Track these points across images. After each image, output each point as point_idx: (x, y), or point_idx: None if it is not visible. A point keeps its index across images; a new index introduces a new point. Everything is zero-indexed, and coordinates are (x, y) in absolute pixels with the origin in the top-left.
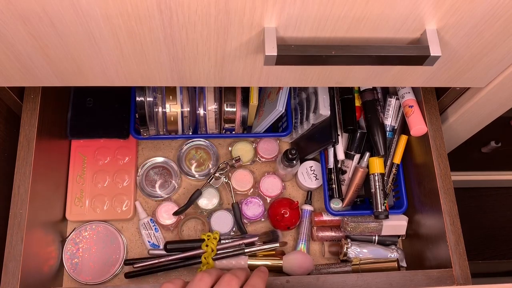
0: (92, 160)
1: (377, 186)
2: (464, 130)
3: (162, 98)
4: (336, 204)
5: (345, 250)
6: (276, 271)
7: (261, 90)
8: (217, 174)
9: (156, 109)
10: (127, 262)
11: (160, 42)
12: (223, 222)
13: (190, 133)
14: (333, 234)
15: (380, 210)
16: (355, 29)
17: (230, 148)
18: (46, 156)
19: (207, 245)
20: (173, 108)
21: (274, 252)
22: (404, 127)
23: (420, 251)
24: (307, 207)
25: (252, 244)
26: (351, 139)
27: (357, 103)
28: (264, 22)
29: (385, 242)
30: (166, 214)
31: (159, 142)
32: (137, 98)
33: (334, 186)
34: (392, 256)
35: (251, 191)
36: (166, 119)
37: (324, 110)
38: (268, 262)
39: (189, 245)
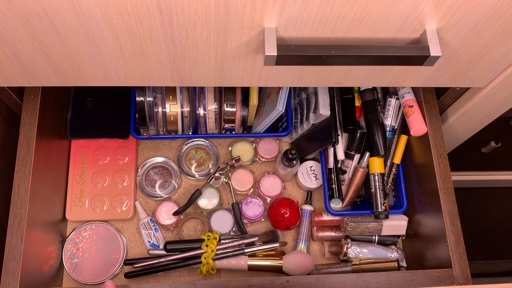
0: (92, 160)
1: (377, 186)
2: (464, 130)
3: (162, 98)
4: (336, 204)
5: (345, 250)
6: (276, 271)
7: (261, 90)
8: (217, 174)
9: (156, 109)
10: (127, 262)
11: (160, 42)
12: (223, 222)
13: (190, 133)
14: (333, 234)
15: (380, 210)
16: (355, 29)
17: (230, 148)
18: (46, 156)
19: (207, 245)
20: (173, 108)
21: (274, 252)
22: (404, 127)
23: (420, 251)
24: (307, 207)
25: (252, 244)
26: (351, 139)
27: (357, 103)
28: (264, 22)
29: (385, 242)
30: (166, 214)
31: (159, 142)
32: (137, 98)
33: (334, 186)
34: (392, 256)
35: (251, 191)
36: (166, 119)
37: (324, 110)
38: (268, 262)
39: (189, 245)
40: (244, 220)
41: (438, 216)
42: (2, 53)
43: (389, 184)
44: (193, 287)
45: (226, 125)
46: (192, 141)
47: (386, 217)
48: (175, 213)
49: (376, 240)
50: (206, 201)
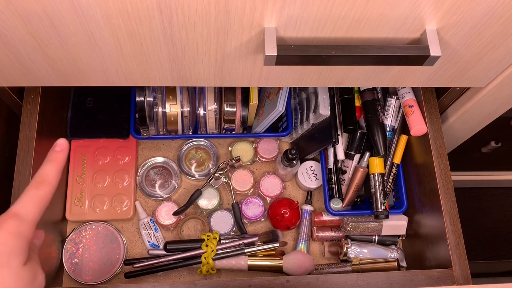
0: (92, 160)
1: (377, 186)
2: (464, 130)
3: (162, 98)
4: (336, 204)
5: (345, 250)
6: (276, 271)
7: (261, 90)
8: (217, 174)
9: (156, 109)
10: (127, 262)
11: (160, 42)
12: (223, 222)
13: (190, 133)
14: (333, 234)
15: (380, 210)
16: (355, 29)
17: (230, 148)
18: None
19: (207, 245)
20: (173, 108)
21: (274, 252)
22: (404, 127)
23: (420, 251)
24: (307, 207)
25: (252, 244)
26: (351, 139)
27: (357, 103)
28: (264, 22)
29: (385, 242)
30: (166, 214)
31: (159, 142)
32: (137, 98)
33: (334, 186)
34: (392, 256)
35: (251, 191)
36: (166, 119)
37: (324, 110)
38: (268, 262)
39: (189, 245)
40: (244, 220)
41: (438, 216)
42: (2, 53)
43: (389, 184)
44: (193, 287)
45: (226, 125)
46: (192, 141)
47: (386, 217)
48: (175, 213)
49: (376, 240)
50: (206, 201)
